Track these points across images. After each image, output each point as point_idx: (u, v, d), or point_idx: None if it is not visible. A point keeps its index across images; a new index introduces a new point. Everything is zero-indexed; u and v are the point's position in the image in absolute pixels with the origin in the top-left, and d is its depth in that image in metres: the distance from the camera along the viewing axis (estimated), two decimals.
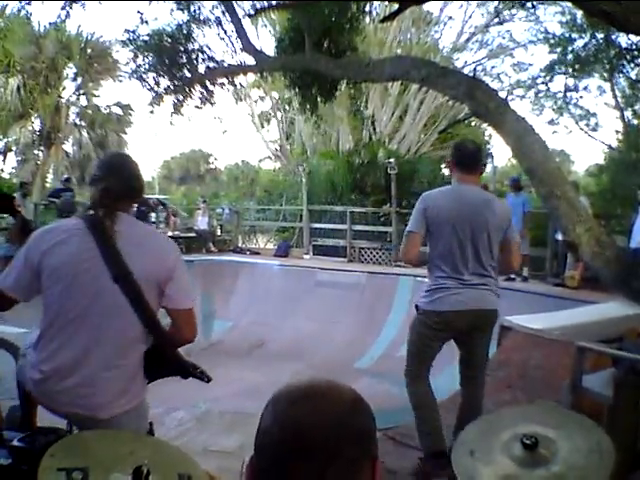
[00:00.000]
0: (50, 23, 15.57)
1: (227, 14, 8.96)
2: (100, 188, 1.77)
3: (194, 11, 9.13)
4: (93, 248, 1.67)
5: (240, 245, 13.30)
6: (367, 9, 10.32)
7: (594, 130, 17.11)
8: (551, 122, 16.59)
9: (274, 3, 9.00)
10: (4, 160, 17.29)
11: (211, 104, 9.66)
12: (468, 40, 16.35)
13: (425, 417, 2.83)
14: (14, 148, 16.96)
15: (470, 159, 2.84)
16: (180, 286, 1.77)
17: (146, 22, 8.99)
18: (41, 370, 1.69)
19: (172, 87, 9.23)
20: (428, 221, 2.72)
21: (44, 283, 1.69)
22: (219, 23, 9.35)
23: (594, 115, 16.81)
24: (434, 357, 2.86)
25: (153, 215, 13.65)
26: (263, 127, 19.38)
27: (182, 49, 9.09)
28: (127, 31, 9.14)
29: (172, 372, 1.87)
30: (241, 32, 8.69)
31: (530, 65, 16.35)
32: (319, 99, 9.16)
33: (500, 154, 50.86)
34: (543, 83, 15.62)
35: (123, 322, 1.69)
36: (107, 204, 1.73)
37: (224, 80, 9.73)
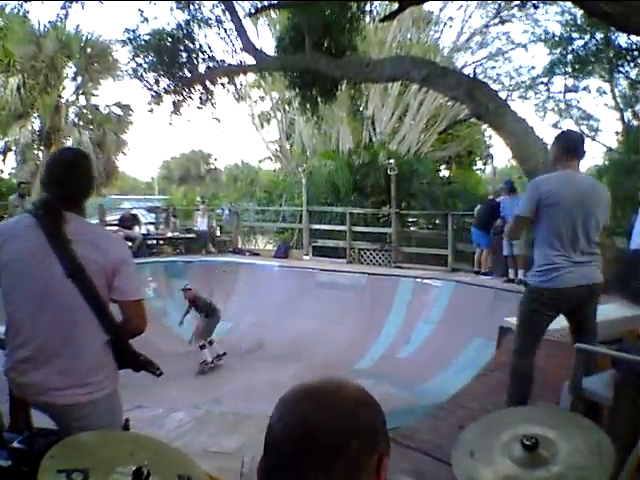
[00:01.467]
0: (50, 22, 15.55)
1: (227, 13, 8.97)
2: (47, 188, 1.85)
3: (194, 10, 9.13)
4: (44, 244, 1.72)
5: (239, 246, 13.30)
6: (367, 9, 10.32)
7: (594, 132, 17.13)
8: (555, 125, 16.62)
9: (274, 2, 9.01)
10: (4, 160, 17.25)
11: (212, 104, 9.66)
12: (468, 40, 16.37)
13: (521, 389, 3.07)
14: (14, 148, 16.93)
15: (576, 146, 3.05)
16: (128, 279, 1.83)
17: (146, 20, 8.99)
18: (9, 361, 1.78)
19: (172, 87, 9.23)
20: (540, 205, 2.93)
21: (1, 277, 1.77)
22: (219, 22, 9.36)
23: (594, 118, 16.86)
24: (544, 332, 3.10)
25: (153, 215, 13.67)
26: (263, 127, 19.38)
27: (182, 48, 9.09)
28: (127, 30, 9.15)
29: (126, 365, 1.89)
30: (241, 31, 8.70)
31: (533, 68, 16.39)
32: (319, 99, 9.17)
33: (500, 155, 50.95)
34: (543, 84, 15.63)
35: (77, 315, 1.75)
36: (54, 203, 1.79)
37: (224, 80, 9.73)
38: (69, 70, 17.30)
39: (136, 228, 11.68)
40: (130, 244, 9.81)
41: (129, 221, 11.54)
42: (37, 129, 17.11)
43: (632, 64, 13.27)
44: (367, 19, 11.46)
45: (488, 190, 13.68)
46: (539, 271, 2.99)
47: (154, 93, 9.29)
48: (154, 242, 12.57)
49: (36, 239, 1.73)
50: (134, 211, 12.65)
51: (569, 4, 10.49)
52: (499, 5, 14.40)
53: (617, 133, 17.12)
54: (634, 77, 14.12)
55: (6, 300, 1.78)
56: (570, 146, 3.04)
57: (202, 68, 9.28)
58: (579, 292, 2.95)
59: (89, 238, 1.81)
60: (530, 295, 3.06)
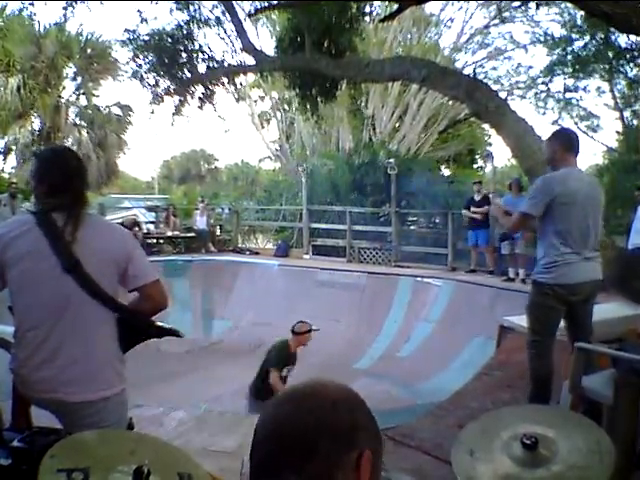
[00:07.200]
0: (51, 24, 15.55)
1: (227, 14, 8.97)
2: (37, 183, 1.85)
3: (194, 11, 9.13)
4: (43, 242, 1.73)
5: (239, 245, 13.30)
6: (367, 9, 10.31)
7: (594, 131, 17.12)
8: (554, 123, 16.61)
9: (274, 2, 9.01)
10: (4, 160, 17.25)
11: (212, 104, 9.66)
12: (468, 40, 16.37)
13: (545, 391, 3.03)
14: (14, 148, 16.92)
15: (575, 143, 3.07)
16: (141, 264, 1.86)
17: (145, 21, 8.98)
18: (18, 358, 1.78)
19: (172, 87, 9.23)
20: (554, 204, 2.91)
21: (7, 276, 1.77)
22: (219, 23, 9.36)
23: (595, 116, 16.85)
24: (557, 327, 3.09)
25: (153, 214, 13.65)
26: (263, 127, 19.40)
27: (182, 49, 9.08)
28: (127, 31, 9.14)
29: (149, 334, 1.94)
30: (241, 32, 8.70)
31: (530, 67, 16.38)
32: (319, 99, 9.17)
33: (500, 154, 51.04)
34: (543, 84, 15.63)
35: (82, 308, 1.75)
36: (47, 198, 1.80)
37: (224, 80, 9.73)
38: (69, 70, 17.29)
39: (138, 234, 11.67)
40: None
41: (131, 228, 11.52)
42: (37, 129, 17.10)
43: (632, 64, 13.26)
44: (367, 19, 11.46)
45: (488, 189, 13.70)
46: (549, 268, 2.98)
47: (154, 94, 9.29)
48: (154, 241, 12.56)
49: (36, 237, 1.74)
50: (134, 210, 12.61)
51: (569, 4, 10.48)
52: (499, 5, 14.40)
53: (617, 133, 17.11)
54: (633, 77, 14.10)
55: (14, 296, 1.79)
56: (571, 144, 3.06)
57: (202, 68, 9.27)
58: (586, 287, 3.00)
59: (100, 229, 1.84)
60: (543, 293, 3.03)
